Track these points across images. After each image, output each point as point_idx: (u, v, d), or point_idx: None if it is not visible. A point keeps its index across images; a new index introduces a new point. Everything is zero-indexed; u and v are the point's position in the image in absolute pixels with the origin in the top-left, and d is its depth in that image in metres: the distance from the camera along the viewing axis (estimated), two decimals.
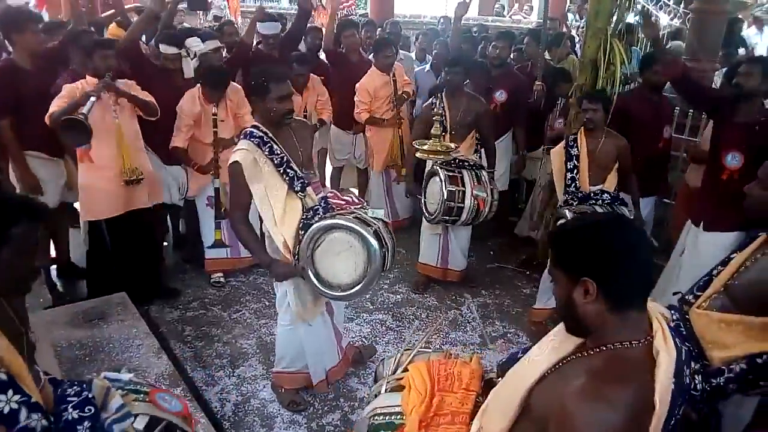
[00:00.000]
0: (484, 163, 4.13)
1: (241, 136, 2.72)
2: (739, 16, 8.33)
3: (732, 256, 2.09)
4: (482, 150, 4.21)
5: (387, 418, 1.86)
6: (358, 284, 2.69)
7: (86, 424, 1.53)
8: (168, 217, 4.71)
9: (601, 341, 1.30)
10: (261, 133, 2.67)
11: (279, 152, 2.68)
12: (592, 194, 3.43)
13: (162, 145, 3.95)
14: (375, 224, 2.71)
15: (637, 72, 4.40)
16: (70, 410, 1.53)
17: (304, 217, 2.69)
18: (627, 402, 1.19)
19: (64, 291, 4.07)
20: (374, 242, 2.62)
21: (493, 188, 3.89)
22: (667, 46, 6.24)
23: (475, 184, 3.81)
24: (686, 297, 2.14)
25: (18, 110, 3.60)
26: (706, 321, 2.01)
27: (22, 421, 1.39)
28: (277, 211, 2.67)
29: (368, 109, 4.83)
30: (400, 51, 5.81)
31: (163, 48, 3.93)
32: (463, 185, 3.78)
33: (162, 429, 1.65)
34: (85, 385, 1.61)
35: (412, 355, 2.09)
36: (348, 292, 2.72)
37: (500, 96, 4.70)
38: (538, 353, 1.48)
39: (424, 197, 4.03)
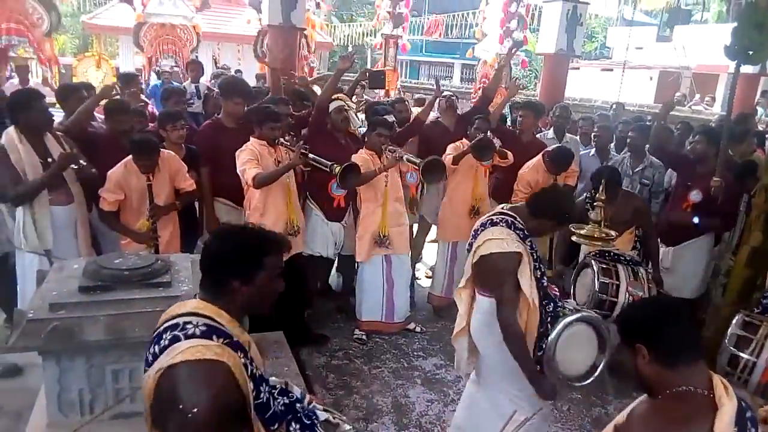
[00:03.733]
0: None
1: (501, 223, 2.58)
2: None
3: None
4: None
5: None
6: (594, 371, 2.60)
7: (299, 405, 1.85)
8: (329, 268, 5.06)
9: (665, 390, 1.52)
10: (521, 226, 2.59)
11: (533, 245, 2.62)
12: None
13: (326, 202, 4.33)
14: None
15: None
16: (279, 397, 1.81)
17: (548, 309, 2.58)
18: (687, 429, 1.40)
19: None
20: (606, 330, 2.58)
21: (652, 287, 3.66)
22: None
23: (631, 279, 3.61)
24: None
25: (216, 162, 4.15)
26: None
27: (272, 407, 1.74)
28: (534, 303, 2.54)
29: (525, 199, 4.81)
30: (567, 134, 5.82)
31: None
32: (618, 279, 3.60)
33: None
34: (268, 381, 1.85)
35: None
36: (584, 382, 2.60)
37: (696, 196, 4.36)
38: (621, 414, 1.71)
39: (574, 288, 3.89)
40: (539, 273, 2.59)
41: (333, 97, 4.41)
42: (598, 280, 3.56)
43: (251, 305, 1.74)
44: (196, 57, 10.46)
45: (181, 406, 1.45)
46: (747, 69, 3.81)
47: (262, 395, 1.69)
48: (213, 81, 8.44)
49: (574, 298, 3.85)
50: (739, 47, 3.53)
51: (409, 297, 4.70)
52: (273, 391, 1.80)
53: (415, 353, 4.31)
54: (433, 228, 5.41)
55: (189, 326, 1.57)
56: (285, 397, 1.82)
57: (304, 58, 9.08)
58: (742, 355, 2.91)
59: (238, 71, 11.19)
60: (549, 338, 2.48)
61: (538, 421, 2.55)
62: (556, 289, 2.80)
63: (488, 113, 5.30)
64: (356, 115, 4.95)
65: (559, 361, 2.50)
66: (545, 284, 2.63)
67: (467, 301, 2.79)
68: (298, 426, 1.79)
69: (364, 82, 6.13)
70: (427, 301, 5.08)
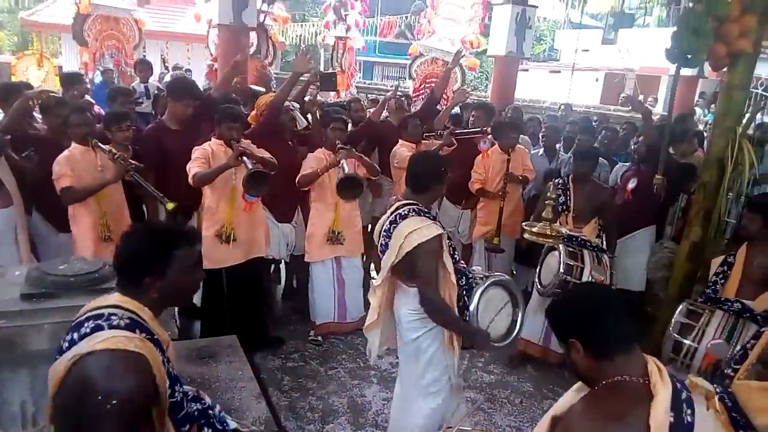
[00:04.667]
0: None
1: (411, 213, 2.66)
2: None
3: (762, 330, 2.26)
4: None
5: None
6: (514, 330, 2.78)
7: (211, 412, 1.85)
8: (281, 270, 5.02)
9: (602, 381, 1.52)
10: (426, 209, 2.72)
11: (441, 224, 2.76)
12: (725, 300, 3.25)
13: (275, 204, 4.28)
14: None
15: None
16: (191, 403, 1.81)
17: (461, 283, 2.70)
18: (624, 419, 1.41)
19: (181, 328, 4.41)
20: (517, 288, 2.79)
21: (613, 274, 3.84)
22: None
23: (595, 264, 3.78)
24: (725, 371, 2.29)
25: (161, 165, 4.04)
26: (747, 390, 2.09)
27: (185, 408, 1.75)
28: (453, 282, 2.66)
29: (481, 181, 4.99)
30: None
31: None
32: (583, 263, 3.76)
33: None
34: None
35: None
36: (507, 341, 2.78)
37: (631, 184, 4.67)
38: (557, 403, 1.72)
39: (540, 270, 4.03)
40: (452, 249, 2.71)
41: None
42: (564, 261, 3.69)
43: (168, 300, 1.77)
44: (144, 56, 10.16)
45: (99, 397, 1.45)
46: (686, 71, 3.98)
47: (176, 395, 1.71)
48: (165, 81, 8.24)
49: (539, 279, 3.99)
50: (679, 51, 3.68)
51: (361, 297, 4.68)
52: (186, 395, 1.81)
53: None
54: None
55: (114, 317, 1.60)
56: (198, 404, 1.85)
57: (264, 60, 8.94)
58: (684, 341, 3.06)
59: (187, 71, 10.94)
60: (470, 309, 2.61)
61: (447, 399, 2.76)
62: (463, 263, 2.92)
63: (436, 112, 5.41)
64: (302, 115, 4.93)
65: (484, 326, 2.64)
66: (457, 260, 2.75)
67: (380, 296, 2.84)
68: (210, 431, 1.83)
69: (315, 84, 6.10)
70: None
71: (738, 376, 2.21)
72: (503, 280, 2.75)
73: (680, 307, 3.21)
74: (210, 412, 1.86)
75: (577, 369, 1.58)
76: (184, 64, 12.71)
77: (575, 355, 1.55)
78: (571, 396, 1.66)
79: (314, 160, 4.14)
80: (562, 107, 8.70)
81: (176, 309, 4.48)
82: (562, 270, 3.71)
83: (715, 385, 2.11)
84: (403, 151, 4.83)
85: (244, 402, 3.28)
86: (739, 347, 2.87)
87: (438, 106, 5.95)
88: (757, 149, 3.79)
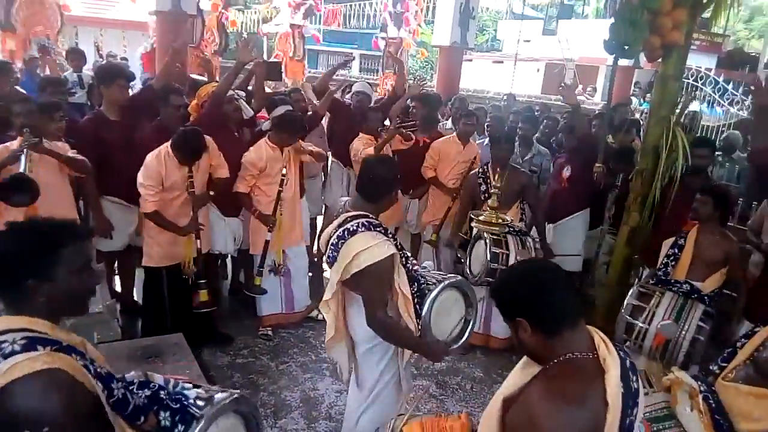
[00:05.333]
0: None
1: (361, 228, 2.45)
2: None
3: (756, 329, 2.18)
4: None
5: None
6: (467, 330, 2.68)
7: (162, 393, 1.69)
8: (228, 264, 4.92)
9: (553, 358, 1.50)
10: (378, 222, 2.53)
11: (392, 233, 2.61)
12: (675, 281, 3.39)
13: (222, 196, 4.14)
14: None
15: None
16: (138, 391, 1.66)
17: (413, 290, 2.57)
18: (583, 398, 1.41)
19: (124, 327, 4.26)
20: (470, 288, 2.70)
21: (538, 254, 3.94)
22: (724, 136, 6.25)
23: (520, 249, 3.88)
24: (711, 368, 2.23)
25: (101, 158, 3.89)
26: (734, 393, 2.08)
27: (131, 401, 1.61)
28: (405, 295, 2.53)
29: (434, 167, 5.02)
30: None
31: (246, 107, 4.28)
32: (508, 249, 3.84)
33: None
34: (124, 378, 1.71)
35: (406, 418, 2.11)
36: (459, 343, 2.68)
37: (566, 171, 4.80)
38: (505, 384, 1.67)
39: (469, 260, 4.09)
40: (404, 260, 2.58)
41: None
42: (489, 250, 3.76)
43: (58, 307, 1.56)
44: (77, 44, 9.67)
45: (27, 430, 1.34)
46: (623, 62, 4.11)
47: (115, 392, 1.58)
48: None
49: (470, 269, 4.05)
50: (617, 42, 3.79)
51: (307, 285, 4.63)
52: (131, 386, 1.68)
53: (322, 345, 4.28)
54: None
55: (5, 345, 1.40)
56: (146, 389, 1.70)
57: (203, 43, 8.63)
58: (636, 323, 3.18)
59: (123, 59, 10.50)
60: (422, 315, 2.51)
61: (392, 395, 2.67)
62: (416, 264, 2.80)
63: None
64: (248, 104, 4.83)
65: (435, 332, 2.55)
66: (410, 268, 2.62)
67: (335, 309, 2.67)
68: (167, 413, 1.67)
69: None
70: None
71: (725, 374, 2.16)
72: (455, 282, 2.63)
73: (632, 289, 3.34)
74: (161, 393, 1.71)
75: (525, 348, 1.55)
76: (119, 52, 12.21)
77: (523, 335, 1.52)
78: (519, 375, 1.61)
79: (255, 154, 4.07)
80: (506, 97, 8.87)
81: (118, 308, 4.35)
82: (488, 258, 3.78)
83: (699, 383, 2.11)
84: (358, 145, 4.81)
85: None
86: (688, 327, 3.01)
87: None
88: (689, 137, 3.97)
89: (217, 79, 6.27)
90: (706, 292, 3.27)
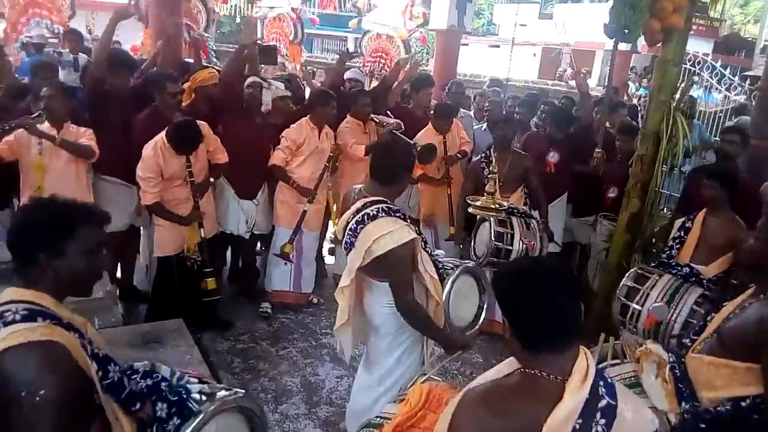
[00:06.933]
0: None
1: (381, 213, 2.45)
2: None
3: (724, 303, 2.25)
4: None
5: (378, 420, 2.06)
6: (481, 315, 2.75)
7: (164, 384, 1.70)
8: (229, 249, 4.91)
9: (523, 367, 1.43)
10: (396, 207, 2.53)
11: (411, 220, 2.61)
12: (676, 265, 3.39)
13: (239, 179, 4.23)
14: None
15: (698, 145, 4.42)
16: (141, 380, 1.68)
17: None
18: (510, 413, 1.34)
19: (124, 312, 4.25)
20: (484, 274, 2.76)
21: (543, 237, 3.94)
22: (736, 120, 6.21)
23: (524, 230, 3.88)
24: (684, 341, 2.32)
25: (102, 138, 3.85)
26: (698, 363, 2.18)
27: (127, 386, 1.62)
28: (432, 276, 2.55)
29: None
30: (461, 110, 5.98)
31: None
32: (512, 229, 3.85)
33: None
34: (132, 367, 1.73)
35: (425, 378, 2.19)
36: (475, 327, 2.73)
37: (552, 157, 4.79)
38: (479, 377, 1.60)
39: (474, 243, 4.10)
40: (423, 243, 2.59)
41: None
42: (494, 229, 3.77)
43: (65, 285, 1.59)
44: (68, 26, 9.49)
45: (23, 393, 1.37)
46: (621, 46, 4.09)
47: (111, 375, 1.60)
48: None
49: (474, 251, 4.06)
50: (617, 26, 3.77)
51: (314, 270, 4.70)
52: (133, 374, 1.70)
53: (322, 331, 4.31)
54: None
55: (7, 314, 1.47)
56: (149, 379, 1.71)
57: (192, 23, 8.48)
58: (630, 304, 3.21)
59: (116, 42, 10.35)
60: (442, 300, 2.54)
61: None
62: (435, 251, 2.84)
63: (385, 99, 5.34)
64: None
65: (453, 317, 2.58)
66: (430, 252, 2.65)
67: (349, 296, 2.66)
68: (165, 405, 1.68)
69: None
70: (334, 279, 5.08)
71: (694, 347, 2.24)
72: (470, 267, 2.70)
73: (630, 271, 3.36)
74: (163, 384, 1.72)
75: (509, 344, 1.50)
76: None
77: (507, 333, 1.48)
78: (494, 371, 1.55)
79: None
80: (489, 81, 8.84)
81: (118, 293, 4.34)
82: (493, 237, 3.79)
83: (670, 354, 2.19)
84: (346, 133, 4.70)
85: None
86: (680, 309, 3.03)
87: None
88: (689, 122, 3.97)
89: (206, 61, 6.20)
90: (708, 276, 3.28)
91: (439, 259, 2.71)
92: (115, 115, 3.96)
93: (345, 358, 2.81)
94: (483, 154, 4.51)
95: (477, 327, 2.72)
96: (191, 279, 3.91)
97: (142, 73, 4.62)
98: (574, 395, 1.32)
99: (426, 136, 4.93)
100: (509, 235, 3.83)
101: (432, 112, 5.16)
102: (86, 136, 3.73)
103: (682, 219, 3.55)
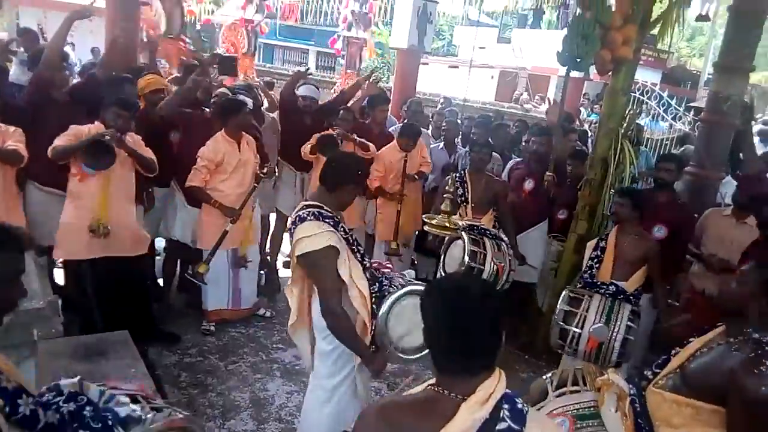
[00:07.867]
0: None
1: (310, 217, 2.49)
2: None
3: (690, 340, 2.18)
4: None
5: None
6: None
7: (88, 409, 1.63)
8: (178, 261, 4.81)
9: (433, 383, 1.43)
10: (330, 213, 2.55)
11: (347, 229, 2.64)
12: (601, 283, 3.53)
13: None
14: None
15: (644, 171, 4.61)
16: (63, 405, 1.61)
17: (373, 290, 2.57)
18: (395, 426, 1.35)
19: (66, 324, 4.09)
20: None
21: (511, 260, 4.01)
22: (681, 149, 6.50)
23: (496, 251, 3.94)
24: (645, 373, 2.25)
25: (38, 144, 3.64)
26: (659, 399, 2.11)
27: (42, 419, 1.56)
28: (361, 291, 2.54)
29: (382, 177, 5.02)
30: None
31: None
32: (485, 249, 3.89)
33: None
34: (58, 387, 1.66)
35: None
36: (422, 353, 2.57)
37: (528, 184, 4.88)
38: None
39: (443, 260, 4.13)
40: (359, 256, 2.61)
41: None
42: (468, 248, 3.81)
43: None
44: (17, 25, 9.21)
45: None
46: (574, 74, 4.25)
47: (21, 408, 1.51)
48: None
49: (444, 269, 4.09)
50: (569, 55, 3.91)
51: (255, 280, 4.65)
52: (57, 397, 1.62)
53: (274, 345, 4.25)
54: None
55: None
56: (72, 403, 1.63)
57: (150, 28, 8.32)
58: (569, 328, 3.27)
59: (70, 44, 10.09)
60: (378, 317, 2.51)
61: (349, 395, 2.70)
62: (389, 265, 2.84)
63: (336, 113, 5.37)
64: None
65: (396, 338, 2.53)
66: (368, 265, 2.65)
67: (298, 295, 2.71)
68: None
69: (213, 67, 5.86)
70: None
71: (656, 381, 2.18)
72: (421, 291, 2.62)
73: (562, 294, 3.43)
74: (87, 409, 1.64)
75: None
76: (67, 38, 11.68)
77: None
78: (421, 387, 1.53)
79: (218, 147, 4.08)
80: (443, 100, 9.00)
81: (60, 303, 4.17)
82: (467, 257, 3.83)
83: (630, 386, 2.16)
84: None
85: None
86: (618, 328, 3.13)
87: None
88: (636, 149, 4.14)
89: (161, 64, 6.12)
90: (630, 290, 3.47)
91: (391, 276, 2.66)
92: (56, 120, 3.78)
93: (305, 364, 2.81)
94: (458, 174, 4.59)
95: (425, 352, 2.56)
96: (109, 289, 3.73)
97: (89, 76, 4.51)
98: (469, 414, 1.31)
99: (389, 152, 5.01)
100: (482, 255, 3.88)
101: (399, 130, 5.20)
102: (15, 137, 3.40)
103: (596, 239, 3.71)
